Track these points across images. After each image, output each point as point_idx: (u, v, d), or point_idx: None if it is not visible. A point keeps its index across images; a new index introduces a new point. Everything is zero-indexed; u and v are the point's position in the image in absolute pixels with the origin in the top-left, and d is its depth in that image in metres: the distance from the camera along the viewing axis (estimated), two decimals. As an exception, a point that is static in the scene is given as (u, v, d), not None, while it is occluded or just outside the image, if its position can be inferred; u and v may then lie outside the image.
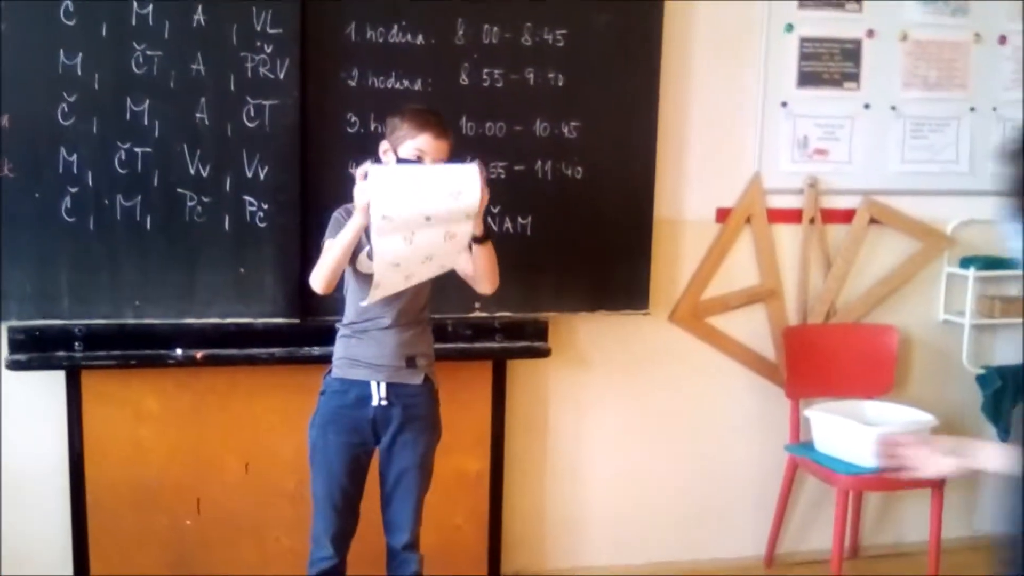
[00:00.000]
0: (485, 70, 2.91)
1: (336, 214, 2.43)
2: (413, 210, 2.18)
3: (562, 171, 3.02)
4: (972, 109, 3.51)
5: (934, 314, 3.60)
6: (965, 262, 3.54)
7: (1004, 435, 3.43)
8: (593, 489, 3.41)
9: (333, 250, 2.34)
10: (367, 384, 2.46)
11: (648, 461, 3.44)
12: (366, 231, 2.27)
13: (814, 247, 3.46)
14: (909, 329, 3.57)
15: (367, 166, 2.22)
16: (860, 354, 3.50)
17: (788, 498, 3.45)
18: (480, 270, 2.44)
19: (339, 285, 2.42)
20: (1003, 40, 3.49)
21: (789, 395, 3.42)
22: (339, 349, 2.52)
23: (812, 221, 3.44)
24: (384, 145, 2.43)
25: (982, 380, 3.51)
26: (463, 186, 2.19)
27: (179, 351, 2.80)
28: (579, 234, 3.06)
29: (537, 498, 3.35)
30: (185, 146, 2.72)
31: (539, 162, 3.00)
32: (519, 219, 3.00)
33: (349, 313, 2.51)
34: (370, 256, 2.41)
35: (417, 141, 2.34)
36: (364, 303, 2.35)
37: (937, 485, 3.23)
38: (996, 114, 3.51)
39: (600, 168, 3.05)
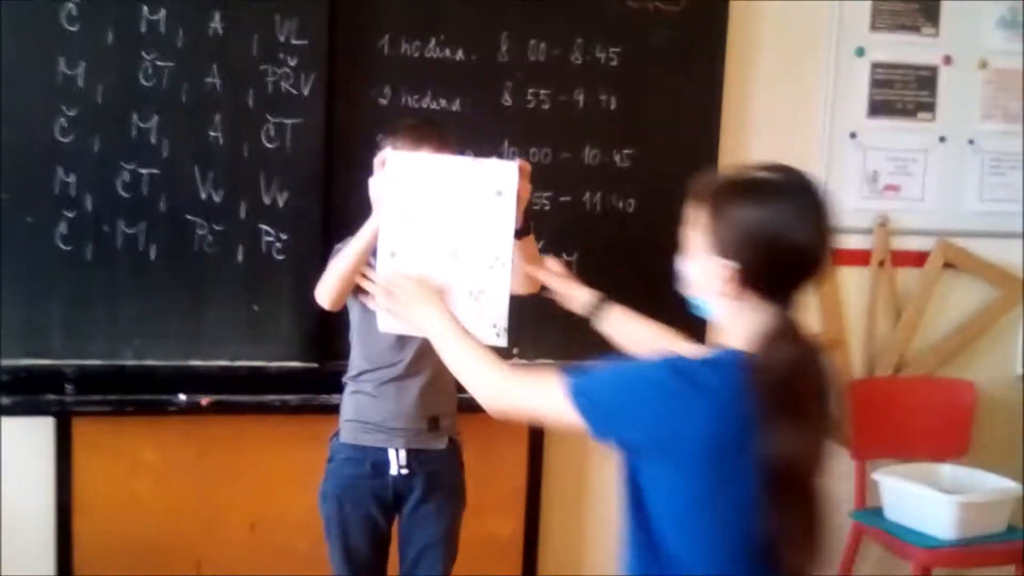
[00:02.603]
0: (531, 90, 2.68)
1: (338, 246, 2.16)
2: (435, 210, 1.83)
3: (612, 203, 2.79)
4: (1056, 144, 3.22)
5: (1012, 368, 3.30)
6: (1046, 312, 3.25)
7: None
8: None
9: (343, 256, 2.07)
10: (384, 451, 2.19)
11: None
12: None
13: (883, 292, 3.17)
14: (985, 384, 3.27)
15: (386, 151, 1.91)
16: (933, 411, 3.20)
17: (852, 568, 3.13)
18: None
19: (346, 329, 2.17)
20: (1091, 70, 3.21)
21: (854, 455, 3.12)
22: (347, 408, 2.25)
23: (881, 264, 3.15)
24: (380, 157, 2.14)
25: (1068, 443, 3.19)
26: (500, 185, 1.83)
27: (182, 397, 2.56)
28: (630, 272, 2.78)
29: (576, 566, 3.08)
30: (196, 168, 2.51)
31: (587, 193, 2.76)
32: (564, 255, 2.74)
33: (356, 362, 2.25)
34: None
35: None
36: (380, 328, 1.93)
37: (1021, 561, 2.90)
38: (1082, 151, 3.23)
39: (654, 200, 2.80)
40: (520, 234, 1.90)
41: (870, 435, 3.11)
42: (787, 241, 1.29)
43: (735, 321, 1.35)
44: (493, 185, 1.82)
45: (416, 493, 2.21)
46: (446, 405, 2.25)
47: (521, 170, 1.83)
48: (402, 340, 2.15)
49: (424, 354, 2.16)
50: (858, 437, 3.10)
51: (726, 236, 1.31)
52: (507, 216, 1.82)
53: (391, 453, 2.19)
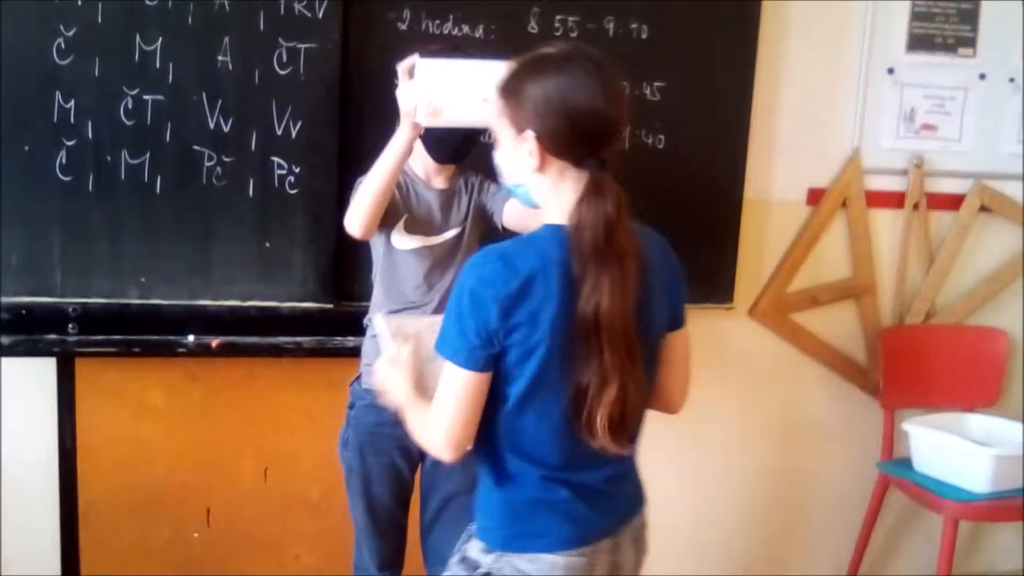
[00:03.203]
0: (558, 16, 2.52)
1: (360, 179, 2.04)
2: (471, 112, 1.78)
3: (642, 139, 2.64)
4: (1098, 84, 3.08)
5: (1045, 316, 3.20)
6: (1082, 258, 3.13)
7: None
8: (659, 501, 2.98)
9: (373, 176, 1.94)
10: None
11: (721, 473, 3.09)
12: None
13: (916, 237, 3.06)
14: (1017, 333, 3.16)
15: (413, 59, 1.80)
16: (963, 360, 3.11)
17: (876, 518, 3.05)
18: None
19: (362, 269, 2.05)
20: None
21: (883, 404, 3.03)
22: (369, 352, 2.14)
23: (916, 207, 3.02)
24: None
25: (1102, 393, 3.10)
26: None
27: (191, 338, 2.43)
28: (658, 213, 2.58)
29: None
30: (204, 95, 2.34)
31: (616, 128, 2.58)
32: (590, 194, 2.58)
33: (379, 301, 2.12)
34: (408, 229, 2.02)
35: None
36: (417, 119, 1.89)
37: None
38: None
39: (685, 137, 2.67)
40: None
41: (900, 384, 3.02)
42: (573, 103, 1.42)
43: (551, 197, 1.47)
44: None
45: None
46: None
47: None
48: (430, 278, 2.04)
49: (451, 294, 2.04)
50: (888, 386, 3.01)
51: (520, 112, 1.45)
52: None
53: None
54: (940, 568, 2.77)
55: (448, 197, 2.12)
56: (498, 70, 1.78)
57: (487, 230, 2.16)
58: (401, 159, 1.91)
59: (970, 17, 2.97)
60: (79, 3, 2.24)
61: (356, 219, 1.97)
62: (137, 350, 2.42)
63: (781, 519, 3.15)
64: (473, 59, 1.84)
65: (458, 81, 1.78)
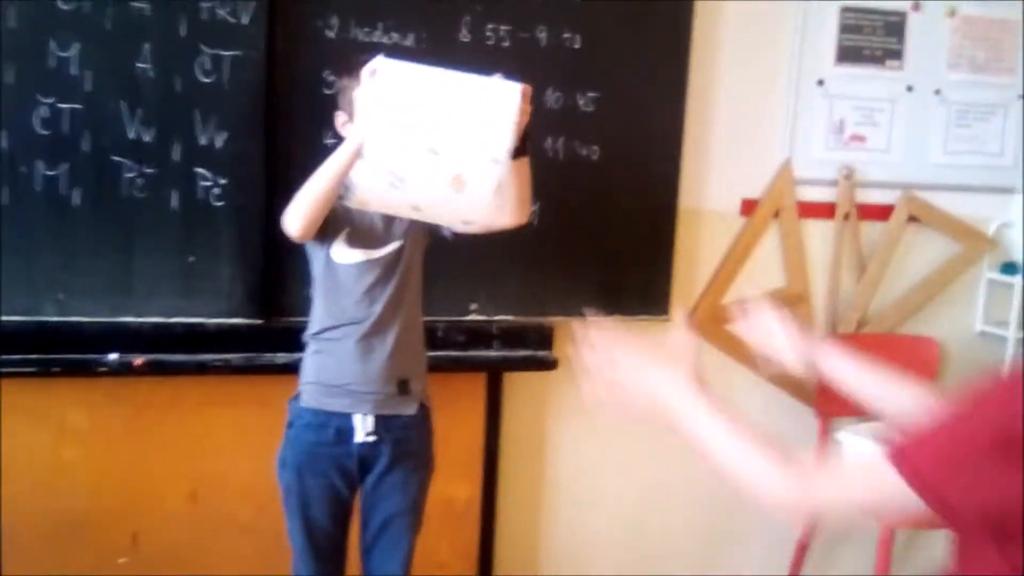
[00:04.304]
0: (489, 25, 2.50)
1: None
2: (424, 130, 1.73)
3: (575, 150, 2.62)
4: (1021, 96, 3.15)
5: (972, 325, 3.24)
6: (1007, 268, 3.19)
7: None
8: (598, 518, 3.03)
9: (321, 174, 1.87)
10: (349, 417, 2.03)
11: (660, 485, 3.07)
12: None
13: (847, 246, 3.09)
14: (948, 341, 3.21)
15: (378, 60, 1.75)
16: (896, 369, 3.11)
17: (813, 532, 3.06)
18: (510, 193, 1.92)
19: (293, 281, 2.00)
20: (1060, 21, 3.15)
21: (818, 413, 3.04)
22: (308, 369, 2.08)
23: (846, 217, 3.05)
24: (340, 117, 2.01)
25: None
26: (497, 109, 1.76)
27: (113, 356, 2.36)
28: (593, 225, 2.66)
29: (533, 529, 2.96)
30: (123, 103, 2.28)
31: (549, 139, 2.60)
32: (525, 205, 2.56)
33: (319, 317, 2.06)
34: (350, 242, 1.97)
35: None
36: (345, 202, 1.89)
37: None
38: (1048, 103, 3.18)
39: (619, 147, 2.66)
40: (517, 154, 1.84)
41: (832, 392, 3.03)
42: None
43: None
44: (492, 104, 1.76)
45: (383, 461, 2.06)
46: (416, 367, 2.10)
47: (523, 93, 1.77)
48: (371, 294, 1.99)
49: (393, 310, 2.00)
50: (820, 395, 3.03)
51: None
52: (504, 135, 1.78)
53: (357, 419, 2.03)
54: (878, 570, 2.79)
55: None
56: (466, 81, 1.77)
57: (431, 243, 2.13)
58: (348, 164, 1.83)
59: (897, 30, 3.02)
60: (-10, 8, 2.17)
61: (296, 217, 1.90)
62: (57, 370, 2.35)
63: (718, 531, 3.15)
64: (450, 71, 1.79)
65: (421, 87, 1.74)
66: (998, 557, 1.08)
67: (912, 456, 1.05)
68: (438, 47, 2.43)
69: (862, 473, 1.11)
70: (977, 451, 1.03)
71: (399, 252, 2.05)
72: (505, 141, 1.77)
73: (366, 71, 1.76)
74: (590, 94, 2.60)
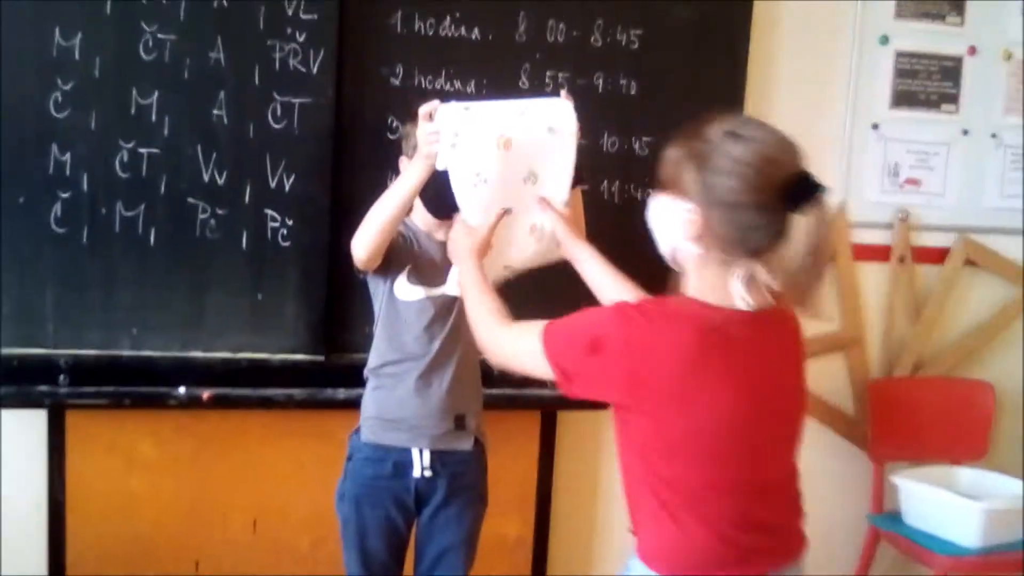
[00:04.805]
0: (548, 72, 2.55)
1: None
2: (494, 156, 1.80)
3: (631, 192, 2.65)
4: (1079, 140, 3.14)
5: (1030, 369, 3.22)
6: (1066, 312, 3.17)
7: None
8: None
9: (385, 202, 1.92)
10: (407, 451, 2.08)
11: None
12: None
13: (902, 290, 3.08)
14: (1004, 385, 3.18)
15: (434, 104, 1.81)
16: (952, 413, 3.11)
17: (867, 572, 3.04)
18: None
19: (355, 320, 2.04)
20: (1118, 64, 3.13)
21: (873, 457, 3.02)
22: (369, 405, 2.13)
23: (902, 260, 3.05)
24: (404, 161, 2.07)
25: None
26: (556, 121, 1.84)
27: (182, 390, 2.42)
28: (650, 268, 2.66)
29: (585, 569, 2.97)
30: (199, 148, 2.36)
31: (605, 182, 2.64)
32: (580, 246, 2.60)
33: (380, 352, 2.11)
34: (411, 279, 2.03)
35: None
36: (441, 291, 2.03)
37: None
38: (1106, 146, 3.15)
39: (674, 191, 2.66)
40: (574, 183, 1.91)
41: (887, 436, 3.03)
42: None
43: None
44: (546, 122, 1.83)
45: (439, 495, 2.10)
46: (473, 403, 2.14)
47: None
48: (430, 331, 2.04)
49: (452, 347, 2.05)
50: (875, 438, 3.02)
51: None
52: (567, 151, 1.85)
53: (415, 453, 2.08)
54: None
55: None
56: (518, 107, 1.83)
57: None
58: (413, 191, 1.88)
59: (952, 74, 3.04)
60: (77, 57, 2.26)
61: (362, 245, 1.95)
62: (128, 402, 2.40)
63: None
64: (503, 101, 1.88)
65: (479, 124, 1.80)
66: (631, 428, 1.51)
67: (550, 332, 1.51)
68: (499, 93, 2.47)
69: (526, 339, 1.53)
70: (580, 340, 1.47)
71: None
72: (571, 137, 1.85)
73: (422, 112, 1.81)
74: (645, 139, 2.65)
